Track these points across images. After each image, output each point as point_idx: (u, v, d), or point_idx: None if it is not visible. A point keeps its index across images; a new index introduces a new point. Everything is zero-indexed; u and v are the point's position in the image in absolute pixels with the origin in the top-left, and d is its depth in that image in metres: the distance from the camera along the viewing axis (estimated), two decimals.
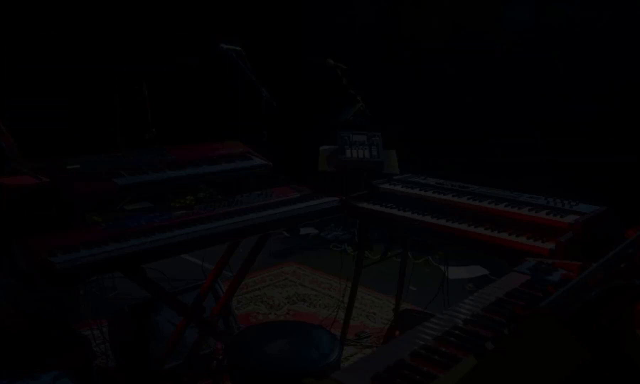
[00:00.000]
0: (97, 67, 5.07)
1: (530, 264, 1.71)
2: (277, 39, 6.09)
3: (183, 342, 2.79)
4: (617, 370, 0.90)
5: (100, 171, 2.56)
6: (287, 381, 2.03)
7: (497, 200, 2.60)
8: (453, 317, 1.37)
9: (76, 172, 2.50)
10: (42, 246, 2.04)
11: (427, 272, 4.42)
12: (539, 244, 2.26)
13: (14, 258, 2.14)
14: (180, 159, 2.87)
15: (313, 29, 6.22)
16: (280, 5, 6.22)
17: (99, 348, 3.00)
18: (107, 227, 2.30)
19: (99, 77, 5.05)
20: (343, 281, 3.50)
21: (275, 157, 3.21)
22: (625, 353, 0.91)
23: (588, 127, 4.23)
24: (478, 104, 4.87)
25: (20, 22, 4.83)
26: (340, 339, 2.96)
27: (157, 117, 4.35)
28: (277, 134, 3.88)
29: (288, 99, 5.08)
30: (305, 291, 4.23)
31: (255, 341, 2.21)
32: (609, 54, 4.08)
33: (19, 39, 4.78)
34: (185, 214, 2.52)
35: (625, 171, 4.03)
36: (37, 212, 2.59)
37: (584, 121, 4.27)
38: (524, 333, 0.93)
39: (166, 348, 2.73)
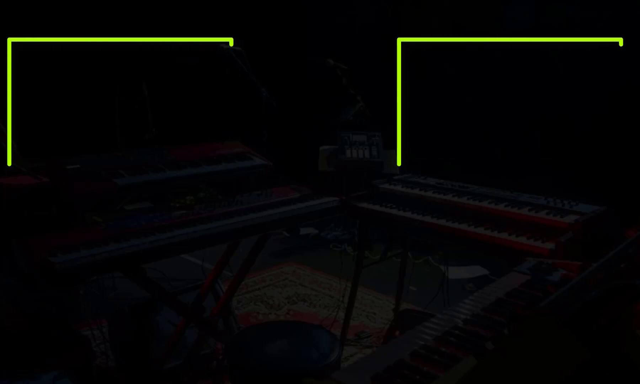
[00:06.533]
0: (97, 67, 5.07)
1: (530, 264, 1.71)
2: (277, 39, 6.09)
3: (183, 342, 2.79)
4: (617, 370, 0.89)
5: (100, 171, 2.56)
6: (287, 381, 2.03)
7: (497, 200, 2.60)
8: (453, 317, 1.37)
9: (76, 172, 2.50)
10: (42, 246, 2.04)
11: (427, 272, 4.42)
12: (539, 244, 2.26)
13: (14, 258, 2.14)
14: (180, 159, 2.86)
15: (313, 29, 6.22)
16: (280, 5, 6.22)
17: (99, 348, 3.00)
18: (107, 227, 2.30)
19: (99, 77, 5.04)
20: (343, 281, 3.50)
21: (275, 157, 3.21)
22: (625, 353, 0.91)
23: (588, 126, 4.24)
24: (478, 103, 4.87)
25: (20, 21, 4.83)
26: (340, 339, 2.96)
27: (157, 117, 4.34)
28: (277, 134, 3.87)
29: (288, 99, 5.07)
30: (305, 291, 4.23)
31: (255, 341, 2.21)
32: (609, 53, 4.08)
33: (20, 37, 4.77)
34: (185, 214, 2.52)
35: (625, 170, 4.02)
36: (37, 212, 2.59)
37: (584, 121, 4.28)
38: (524, 333, 0.93)
39: (166, 348, 2.73)
